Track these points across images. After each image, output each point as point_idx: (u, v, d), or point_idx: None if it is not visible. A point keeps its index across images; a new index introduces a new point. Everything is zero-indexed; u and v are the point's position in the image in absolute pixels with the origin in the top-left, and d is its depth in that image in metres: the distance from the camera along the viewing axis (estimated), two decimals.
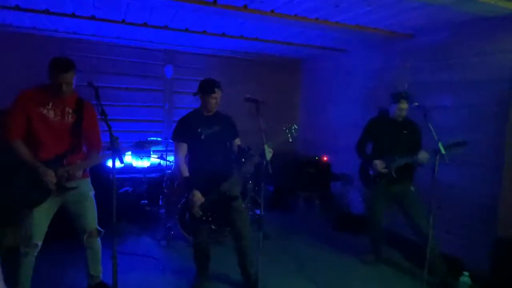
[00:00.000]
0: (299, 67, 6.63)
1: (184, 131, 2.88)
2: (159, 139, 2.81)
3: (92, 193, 2.64)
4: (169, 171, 4.52)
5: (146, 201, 4.64)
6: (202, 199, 2.72)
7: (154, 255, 3.62)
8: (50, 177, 2.29)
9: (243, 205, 3.01)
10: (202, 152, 2.84)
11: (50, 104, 2.39)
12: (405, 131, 3.27)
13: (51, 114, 2.38)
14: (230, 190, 2.81)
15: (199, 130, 2.82)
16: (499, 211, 3.15)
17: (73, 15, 3.74)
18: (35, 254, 2.43)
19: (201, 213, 2.73)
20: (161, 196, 4.46)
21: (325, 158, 5.49)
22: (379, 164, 3.28)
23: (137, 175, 5.10)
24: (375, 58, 4.80)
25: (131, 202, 4.57)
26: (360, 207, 5.01)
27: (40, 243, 2.42)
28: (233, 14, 3.39)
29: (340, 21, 3.64)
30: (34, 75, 4.64)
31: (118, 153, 2.09)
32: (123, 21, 3.98)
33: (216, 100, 2.84)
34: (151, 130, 5.47)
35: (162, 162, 4.90)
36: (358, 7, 3.20)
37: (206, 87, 2.83)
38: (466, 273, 3.05)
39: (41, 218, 2.38)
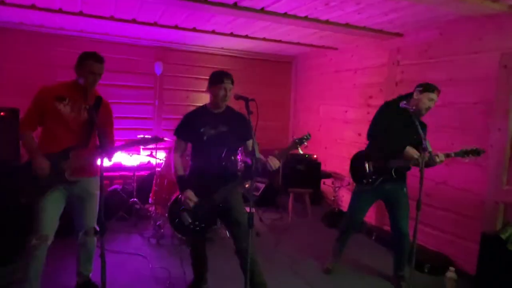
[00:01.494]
0: (290, 65, 6.64)
1: (185, 128, 2.64)
2: (166, 139, 2.74)
3: (98, 192, 2.61)
4: (159, 169, 4.49)
5: (135, 199, 4.61)
6: (195, 199, 2.49)
7: (143, 253, 3.60)
8: (40, 165, 2.31)
9: (243, 213, 2.62)
10: (203, 155, 2.59)
11: (67, 100, 2.43)
12: (415, 128, 2.70)
13: (67, 109, 2.42)
14: (225, 200, 2.53)
15: (202, 130, 2.55)
16: (485, 207, 3.21)
17: (60, 11, 3.69)
18: (46, 247, 2.41)
19: (190, 221, 2.53)
20: (151, 194, 4.44)
21: (315, 156, 5.52)
22: (411, 152, 2.82)
23: (127, 173, 5.07)
24: (365, 56, 4.84)
25: (120, 200, 4.54)
26: None
27: (51, 236, 2.41)
28: (223, 11, 3.38)
29: (330, 19, 3.66)
30: (21, 70, 4.64)
31: (108, 151, 2.11)
32: (111, 17, 3.94)
33: (224, 92, 2.50)
34: (141, 128, 5.44)
35: (152, 160, 4.87)
36: (347, 6, 3.22)
37: (214, 77, 2.54)
38: (452, 268, 3.11)
39: (50, 209, 2.39)
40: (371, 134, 3.11)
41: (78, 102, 2.46)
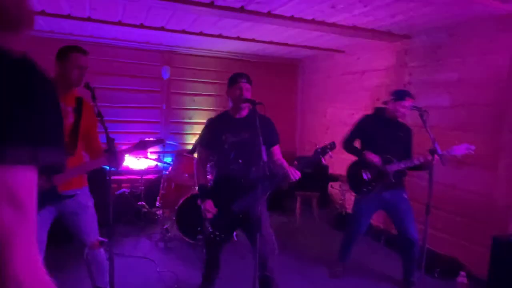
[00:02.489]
0: (297, 68, 6.63)
1: (207, 137, 2.58)
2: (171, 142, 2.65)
3: (91, 202, 2.41)
4: (166, 172, 4.51)
5: (143, 203, 4.63)
6: (213, 211, 2.43)
7: (151, 256, 3.61)
8: None
9: (268, 227, 2.50)
10: (225, 163, 2.48)
11: None
12: (401, 133, 3.05)
13: None
14: (248, 211, 2.42)
15: (224, 137, 2.43)
16: (496, 211, 3.16)
17: (69, 16, 3.74)
18: None
19: (210, 230, 2.47)
20: (158, 198, 4.45)
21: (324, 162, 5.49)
22: (373, 157, 2.97)
23: (134, 176, 5.10)
24: (372, 59, 4.81)
25: (128, 204, 4.56)
26: None
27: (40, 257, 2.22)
28: (230, 15, 3.39)
29: (336, 22, 3.65)
30: None
31: (115, 156, 2.02)
32: (119, 22, 3.98)
33: (240, 92, 2.37)
34: (148, 131, 5.47)
35: (159, 163, 4.89)
36: (354, 8, 3.20)
37: (230, 80, 2.45)
38: (463, 273, 3.06)
39: (38, 231, 2.16)
40: (343, 141, 3.24)
41: (61, 104, 2.20)
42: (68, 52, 2.17)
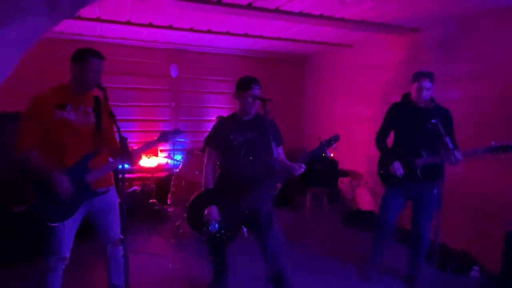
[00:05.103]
0: (305, 63, 6.61)
1: (215, 136, 2.64)
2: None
3: (117, 201, 2.46)
4: (176, 170, 4.54)
5: (154, 200, 4.67)
6: (217, 219, 2.46)
7: (163, 253, 3.65)
8: (65, 185, 2.08)
9: (275, 224, 2.51)
10: (232, 162, 2.53)
11: (69, 105, 2.19)
12: (433, 120, 2.55)
13: (72, 115, 2.20)
14: (254, 207, 2.45)
15: (232, 136, 2.49)
16: (509, 206, 3.12)
17: (78, 17, 3.78)
18: (63, 267, 2.29)
19: (217, 227, 2.48)
20: (169, 195, 4.49)
21: (332, 154, 5.48)
22: (397, 169, 2.88)
23: (145, 174, 5.15)
24: (381, 53, 4.76)
25: (139, 201, 4.62)
26: (368, 203, 5.00)
27: (68, 256, 2.28)
28: (237, 12, 3.40)
29: (345, 16, 3.62)
30: (40, 77, 4.74)
31: (129, 155, 2.05)
32: (128, 22, 4.01)
33: (253, 99, 2.44)
34: (158, 130, 5.51)
35: (170, 161, 4.93)
36: (363, 2, 3.18)
37: (242, 84, 2.48)
38: (476, 267, 3.04)
39: (69, 229, 2.24)
40: (376, 134, 3.10)
41: (81, 105, 2.25)
42: (88, 56, 2.19)
